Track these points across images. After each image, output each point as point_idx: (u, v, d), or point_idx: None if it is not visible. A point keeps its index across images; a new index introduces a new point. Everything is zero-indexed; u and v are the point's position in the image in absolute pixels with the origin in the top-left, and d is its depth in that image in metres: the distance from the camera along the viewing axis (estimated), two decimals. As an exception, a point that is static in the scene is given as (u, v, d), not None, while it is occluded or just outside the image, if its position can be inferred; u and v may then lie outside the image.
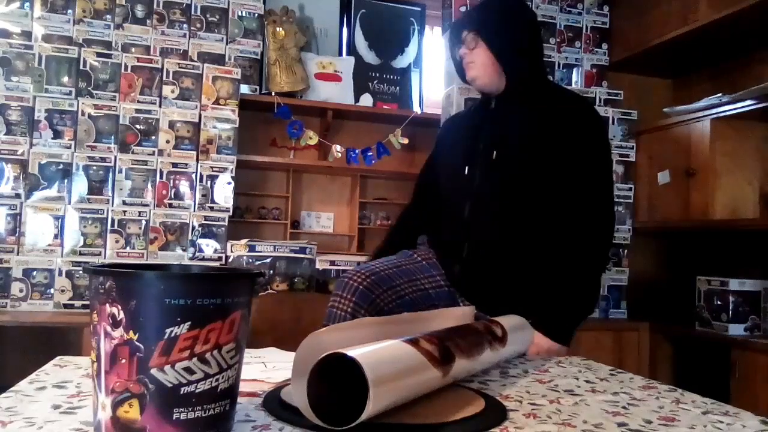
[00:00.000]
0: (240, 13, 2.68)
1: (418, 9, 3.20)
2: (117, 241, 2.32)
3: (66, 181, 2.30)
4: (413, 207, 1.77)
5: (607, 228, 1.44)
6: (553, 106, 1.46)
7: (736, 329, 2.35)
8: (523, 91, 1.50)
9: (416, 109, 3.09)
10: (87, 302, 2.16)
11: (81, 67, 2.36)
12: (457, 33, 1.57)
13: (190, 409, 0.56)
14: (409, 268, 1.48)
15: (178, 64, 2.45)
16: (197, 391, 0.56)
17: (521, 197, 1.44)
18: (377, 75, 3.06)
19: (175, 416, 0.55)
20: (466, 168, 1.49)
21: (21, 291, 2.23)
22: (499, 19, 1.52)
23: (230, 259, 2.37)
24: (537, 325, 1.28)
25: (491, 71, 1.50)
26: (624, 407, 0.80)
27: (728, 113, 2.43)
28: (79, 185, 2.31)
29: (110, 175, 2.34)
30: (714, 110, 2.48)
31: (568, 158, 1.41)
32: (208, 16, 2.63)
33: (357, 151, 2.89)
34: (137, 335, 0.54)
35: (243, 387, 0.67)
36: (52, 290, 2.25)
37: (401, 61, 3.11)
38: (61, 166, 2.30)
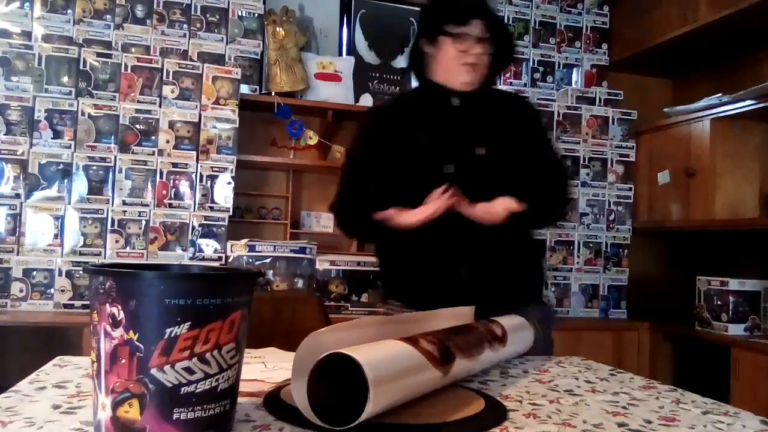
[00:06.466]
0: (240, 13, 2.67)
1: (418, 9, 3.20)
2: (117, 241, 2.32)
3: (66, 181, 2.30)
4: (358, 194, 1.52)
5: (566, 181, 1.56)
6: (505, 100, 1.58)
7: (736, 329, 2.35)
8: (487, 91, 1.53)
9: (416, 109, 3.08)
10: (87, 302, 2.16)
11: (81, 67, 2.36)
12: (461, 20, 1.42)
13: (190, 409, 0.56)
14: None
15: (178, 64, 2.45)
16: (197, 391, 0.56)
17: (508, 188, 1.42)
18: (377, 75, 3.05)
19: (175, 416, 0.55)
20: (448, 167, 1.42)
21: (21, 291, 2.22)
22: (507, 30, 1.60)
23: (230, 259, 2.37)
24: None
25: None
26: (624, 407, 0.80)
27: (728, 113, 2.43)
28: (79, 185, 2.31)
29: (110, 175, 2.34)
30: (714, 110, 2.49)
31: (531, 141, 1.51)
32: (208, 16, 2.63)
33: (357, 151, 2.88)
34: (137, 335, 0.54)
35: (243, 387, 0.67)
36: (52, 290, 2.25)
37: (401, 61, 3.10)
38: (61, 166, 2.30)
